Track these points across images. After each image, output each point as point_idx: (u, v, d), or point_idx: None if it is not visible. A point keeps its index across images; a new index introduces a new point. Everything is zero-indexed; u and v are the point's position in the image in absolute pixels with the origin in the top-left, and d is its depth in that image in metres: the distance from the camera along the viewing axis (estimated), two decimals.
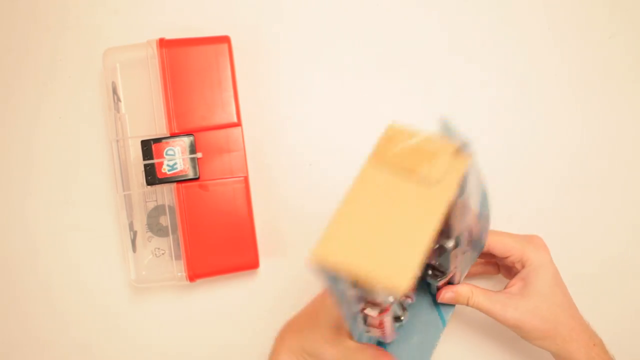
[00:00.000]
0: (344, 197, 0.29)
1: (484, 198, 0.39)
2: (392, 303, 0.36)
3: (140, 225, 0.53)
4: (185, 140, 0.52)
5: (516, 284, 0.47)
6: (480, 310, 0.46)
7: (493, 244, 0.47)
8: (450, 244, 0.39)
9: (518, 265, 0.47)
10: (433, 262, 0.43)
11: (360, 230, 0.29)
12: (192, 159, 0.52)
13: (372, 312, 0.37)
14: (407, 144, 0.30)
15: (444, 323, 0.48)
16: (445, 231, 0.37)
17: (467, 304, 0.47)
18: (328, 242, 0.28)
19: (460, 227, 0.37)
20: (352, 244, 0.28)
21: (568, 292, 0.47)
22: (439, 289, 0.47)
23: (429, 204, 0.29)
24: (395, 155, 0.30)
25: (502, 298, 0.46)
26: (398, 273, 0.27)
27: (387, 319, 0.39)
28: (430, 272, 0.45)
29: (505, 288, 0.48)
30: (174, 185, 0.52)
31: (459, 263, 0.44)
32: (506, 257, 0.48)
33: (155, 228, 0.53)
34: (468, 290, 0.46)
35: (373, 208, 0.29)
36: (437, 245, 0.40)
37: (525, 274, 0.47)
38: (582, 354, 0.45)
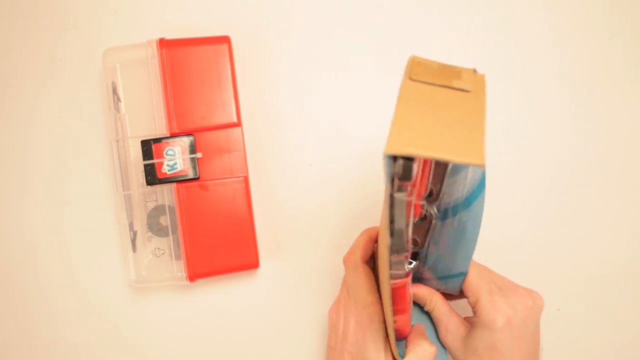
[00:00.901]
0: (396, 107, 0.33)
1: (481, 181, 0.40)
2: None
3: (140, 225, 0.53)
4: (185, 140, 0.52)
5: (470, 321, 0.45)
6: (431, 316, 0.47)
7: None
8: (434, 208, 0.41)
9: (472, 311, 0.44)
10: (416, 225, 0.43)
11: (422, 126, 0.31)
12: (192, 159, 0.52)
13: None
14: (434, 66, 0.35)
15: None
16: (433, 193, 0.40)
17: (424, 306, 0.47)
18: (398, 137, 0.30)
19: (448, 194, 0.40)
20: (420, 135, 0.31)
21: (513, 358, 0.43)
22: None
23: (471, 102, 0.33)
24: (426, 74, 0.34)
25: (452, 322, 0.45)
26: (473, 149, 0.30)
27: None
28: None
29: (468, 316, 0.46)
30: (174, 185, 0.52)
31: (434, 245, 0.44)
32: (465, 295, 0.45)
33: (155, 228, 0.53)
34: (427, 293, 0.46)
35: (425, 110, 0.33)
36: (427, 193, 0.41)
37: (474, 321, 0.44)
38: None
